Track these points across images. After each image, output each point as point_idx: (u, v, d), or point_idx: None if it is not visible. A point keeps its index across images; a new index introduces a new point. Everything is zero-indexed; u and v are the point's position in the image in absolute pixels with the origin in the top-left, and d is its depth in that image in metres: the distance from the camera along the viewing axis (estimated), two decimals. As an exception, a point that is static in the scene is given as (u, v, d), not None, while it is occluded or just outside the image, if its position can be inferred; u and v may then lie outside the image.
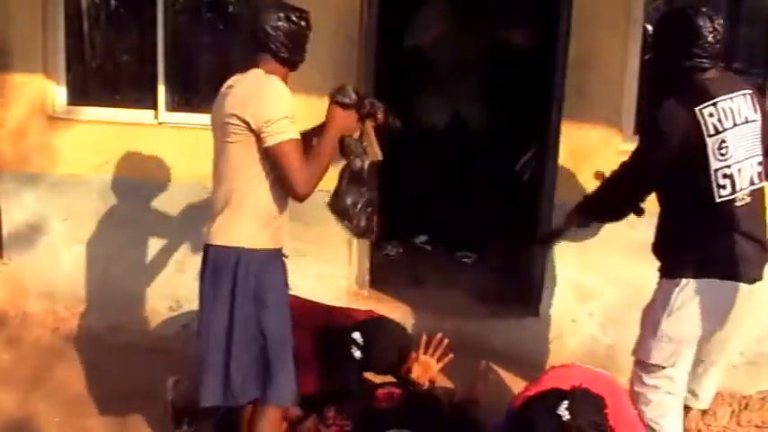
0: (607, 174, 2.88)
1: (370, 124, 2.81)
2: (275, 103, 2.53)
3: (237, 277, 2.56)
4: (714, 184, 2.48)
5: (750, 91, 2.57)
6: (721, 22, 2.53)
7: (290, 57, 2.69)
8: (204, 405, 2.66)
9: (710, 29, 2.49)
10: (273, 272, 2.64)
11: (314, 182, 2.53)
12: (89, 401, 3.51)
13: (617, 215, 2.86)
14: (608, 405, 2.33)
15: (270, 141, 2.50)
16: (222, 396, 2.61)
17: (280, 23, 2.63)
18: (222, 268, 2.57)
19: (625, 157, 2.82)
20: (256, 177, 2.58)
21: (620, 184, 2.73)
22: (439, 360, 3.15)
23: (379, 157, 2.77)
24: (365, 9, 3.73)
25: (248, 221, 2.59)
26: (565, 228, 3.10)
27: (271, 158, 2.52)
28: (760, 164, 2.55)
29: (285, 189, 2.55)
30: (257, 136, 2.53)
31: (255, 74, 2.65)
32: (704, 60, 2.51)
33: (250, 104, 2.53)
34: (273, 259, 2.65)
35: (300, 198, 2.54)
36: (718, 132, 2.47)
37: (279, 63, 2.67)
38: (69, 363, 3.85)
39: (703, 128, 2.46)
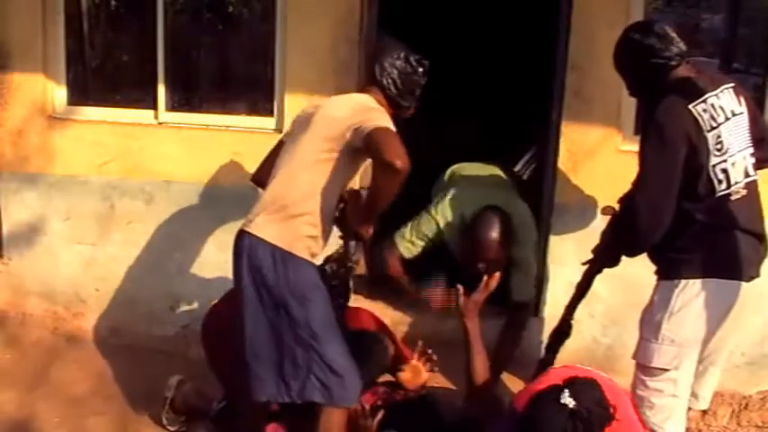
0: (617, 207, 2.84)
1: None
2: (381, 118, 2.55)
3: (278, 274, 2.58)
4: (715, 181, 2.50)
5: (733, 84, 2.60)
6: (664, 26, 2.60)
7: (397, 96, 2.76)
8: (259, 399, 2.68)
9: (654, 36, 2.56)
10: (310, 270, 2.66)
11: (409, 165, 2.40)
12: (89, 401, 3.52)
13: (649, 241, 2.59)
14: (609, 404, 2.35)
15: (368, 128, 2.47)
16: (277, 392, 2.63)
17: (397, 62, 2.74)
18: (262, 263, 2.59)
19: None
20: (326, 194, 2.61)
21: (648, 202, 2.50)
22: (429, 369, 3.12)
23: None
24: (365, 9, 3.73)
25: (298, 230, 2.61)
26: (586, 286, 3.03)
27: (368, 144, 2.47)
28: (752, 155, 2.57)
29: (384, 166, 2.40)
30: (347, 143, 2.54)
31: (367, 98, 2.72)
32: (663, 64, 2.56)
33: (356, 115, 2.57)
34: (308, 263, 2.67)
35: (401, 170, 2.37)
36: (713, 128, 2.49)
37: (386, 100, 2.75)
38: (69, 363, 3.85)
39: (702, 123, 2.48)
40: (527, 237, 3.24)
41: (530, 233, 3.27)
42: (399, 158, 2.37)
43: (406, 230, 3.32)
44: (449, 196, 3.29)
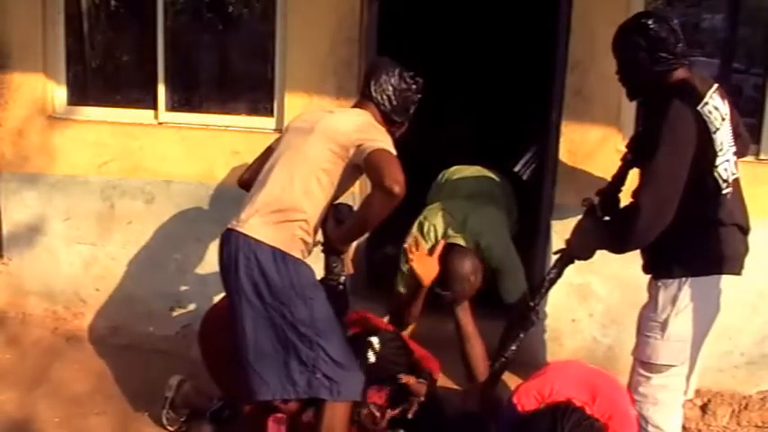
0: (596, 201, 2.83)
1: None
2: (384, 139, 2.60)
3: (281, 275, 2.59)
4: (720, 180, 2.54)
5: (717, 84, 2.64)
6: (676, 22, 2.60)
7: (391, 112, 2.81)
8: (259, 398, 2.68)
9: (667, 30, 2.56)
10: (308, 270, 2.68)
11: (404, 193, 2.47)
12: (89, 401, 3.52)
13: (646, 240, 2.57)
14: (602, 401, 2.35)
15: (370, 148, 2.53)
16: (282, 390, 2.63)
17: (392, 79, 2.80)
18: (264, 265, 2.59)
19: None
20: (320, 200, 2.64)
21: (655, 202, 2.49)
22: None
23: (351, 270, 2.91)
24: (365, 9, 3.73)
25: (293, 232, 2.62)
26: (564, 265, 2.96)
27: (368, 165, 2.52)
28: (735, 153, 2.63)
29: (382, 189, 2.45)
30: (348, 158, 2.59)
31: (367, 114, 2.76)
32: (672, 61, 2.57)
33: (361, 132, 2.61)
34: (305, 263, 2.69)
35: (398, 196, 2.43)
36: (717, 129, 2.53)
37: (380, 115, 2.79)
38: (69, 363, 3.86)
39: (709, 125, 2.51)
40: (498, 249, 3.19)
41: (499, 243, 3.21)
42: (398, 184, 2.42)
43: (398, 272, 3.32)
44: (414, 230, 3.28)
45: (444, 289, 3.15)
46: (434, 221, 3.25)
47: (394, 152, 2.56)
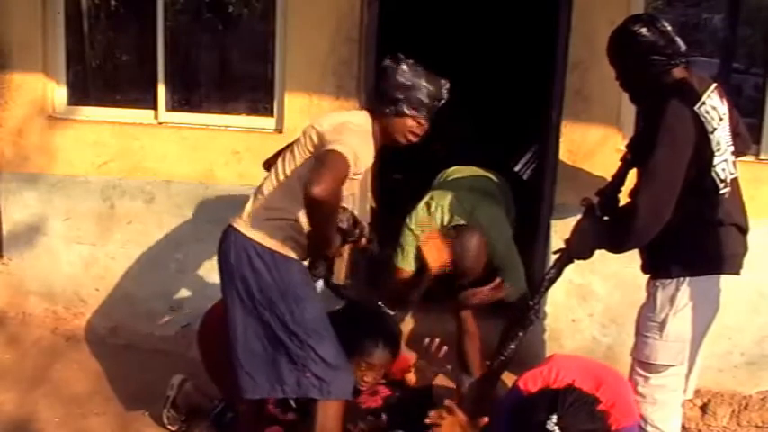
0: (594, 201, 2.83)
1: (347, 248, 2.90)
2: (349, 140, 2.51)
3: (273, 277, 2.60)
4: (717, 180, 2.54)
5: (715, 84, 2.63)
6: (665, 23, 2.58)
7: (376, 99, 2.69)
8: (248, 397, 2.70)
9: (657, 33, 2.55)
10: (300, 269, 2.69)
11: (331, 197, 2.36)
12: (89, 401, 3.52)
13: (644, 240, 2.58)
14: (606, 389, 2.35)
15: (327, 148, 2.47)
16: (270, 389, 2.65)
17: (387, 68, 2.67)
18: (256, 264, 2.61)
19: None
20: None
21: (653, 203, 2.49)
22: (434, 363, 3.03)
23: (341, 281, 2.90)
24: (365, 9, 3.73)
25: (285, 232, 2.64)
26: (563, 264, 2.94)
27: (317, 157, 2.49)
28: (733, 153, 2.63)
29: (307, 184, 2.36)
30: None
31: (355, 116, 2.73)
32: (665, 62, 2.55)
33: (332, 133, 2.56)
34: (297, 261, 2.70)
35: (313, 196, 2.32)
36: (715, 129, 2.53)
37: (371, 109, 2.72)
38: (69, 363, 3.86)
39: (706, 125, 2.51)
40: (501, 247, 3.20)
41: (503, 241, 3.21)
42: (317, 185, 2.31)
43: (397, 247, 3.31)
44: (419, 207, 3.27)
45: (455, 272, 3.06)
46: (442, 203, 3.21)
47: (349, 156, 2.43)
